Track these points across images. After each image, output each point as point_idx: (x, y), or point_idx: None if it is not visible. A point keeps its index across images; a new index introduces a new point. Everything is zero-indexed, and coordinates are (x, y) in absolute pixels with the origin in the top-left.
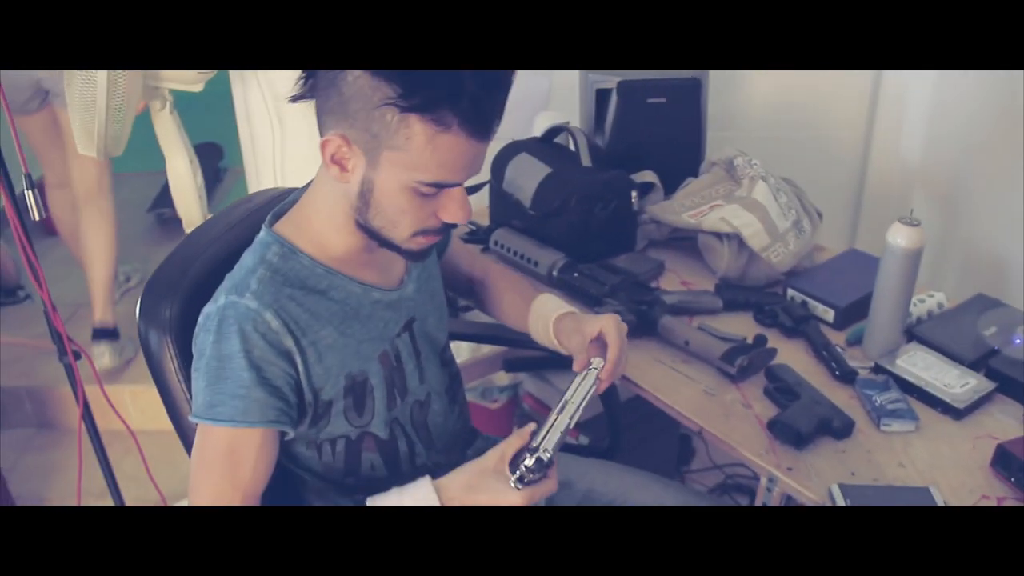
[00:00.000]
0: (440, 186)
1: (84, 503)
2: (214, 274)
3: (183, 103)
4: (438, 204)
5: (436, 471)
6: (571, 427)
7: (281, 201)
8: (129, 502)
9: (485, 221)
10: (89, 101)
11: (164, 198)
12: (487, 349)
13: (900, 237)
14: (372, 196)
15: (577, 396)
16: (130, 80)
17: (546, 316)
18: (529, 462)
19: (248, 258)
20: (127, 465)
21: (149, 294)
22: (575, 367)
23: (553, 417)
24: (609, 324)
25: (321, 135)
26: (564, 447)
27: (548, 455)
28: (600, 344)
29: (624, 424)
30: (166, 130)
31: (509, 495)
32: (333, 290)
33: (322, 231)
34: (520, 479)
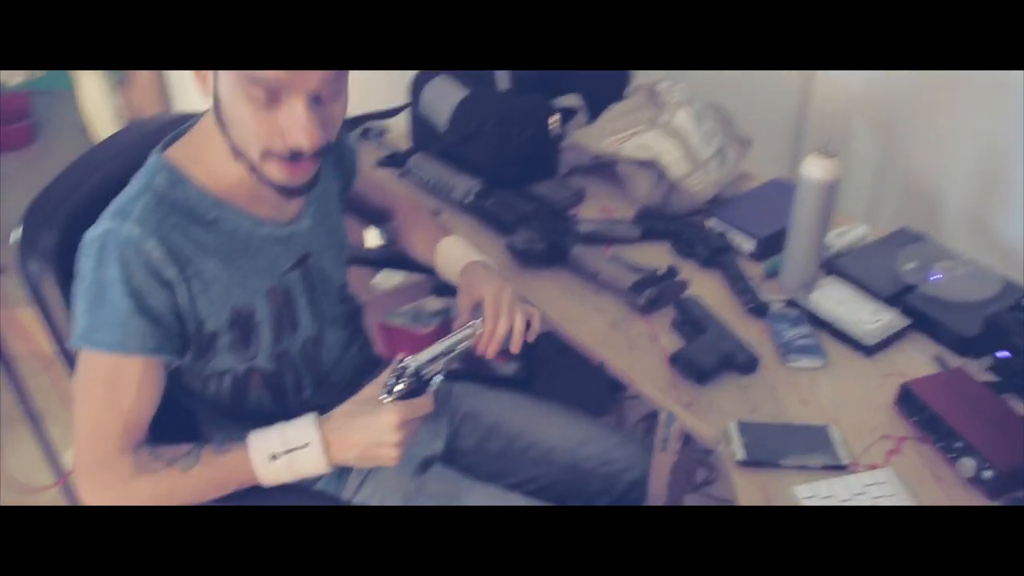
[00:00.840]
0: (262, 85)
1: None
2: (98, 201)
3: None
4: (280, 122)
5: (328, 407)
6: (446, 357)
7: (177, 127)
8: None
9: (405, 145)
10: None
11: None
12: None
13: (815, 168)
14: (222, 107)
15: (449, 338)
16: None
17: (452, 264)
18: (396, 374)
19: (134, 184)
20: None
21: (29, 221)
22: (453, 326)
23: (428, 348)
24: (489, 294)
25: None
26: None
27: (414, 364)
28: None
29: (557, 350)
30: None
31: (382, 413)
32: (221, 222)
33: (212, 158)
34: (388, 391)
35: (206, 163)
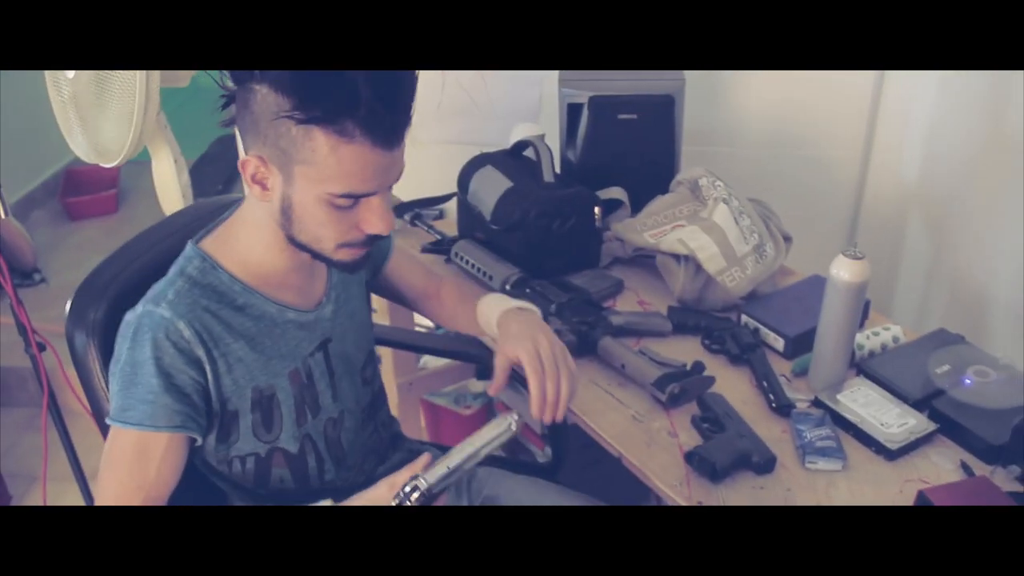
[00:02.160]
0: (351, 197)
1: (52, 484)
2: (144, 281)
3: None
4: (358, 216)
5: (345, 487)
6: (464, 468)
7: (224, 212)
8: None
9: (454, 232)
10: (125, 101)
11: None
12: None
13: (843, 270)
14: (292, 212)
15: (478, 439)
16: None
17: (490, 316)
18: (408, 488)
19: (171, 271)
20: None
21: (80, 296)
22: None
23: (452, 454)
24: (525, 353)
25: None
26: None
27: (426, 484)
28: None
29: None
30: (152, 130)
31: None
32: (249, 307)
33: (249, 249)
34: (400, 504)
35: (240, 252)
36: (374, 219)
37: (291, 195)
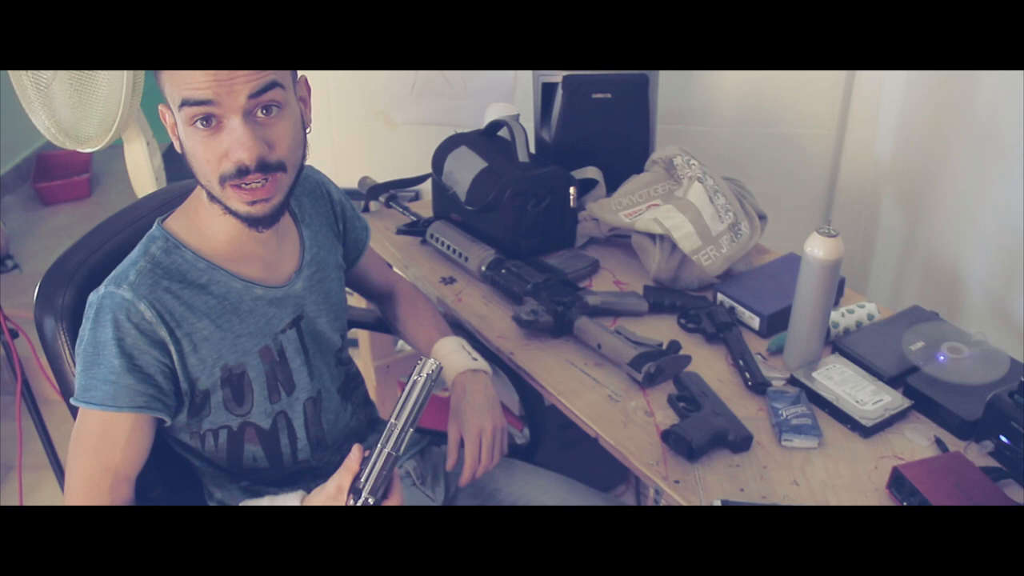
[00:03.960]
0: (191, 104)
1: (28, 472)
2: (113, 264)
3: None
4: (224, 144)
5: (322, 468)
6: (390, 467)
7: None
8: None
9: (429, 214)
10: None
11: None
12: None
13: (817, 248)
14: (184, 149)
15: (407, 404)
16: None
17: (446, 369)
18: (359, 501)
19: (134, 251)
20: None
21: (48, 281)
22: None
23: (374, 458)
24: (471, 437)
25: None
26: None
27: (371, 499)
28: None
29: (564, 422)
30: None
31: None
32: (213, 284)
33: (204, 221)
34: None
35: (197, 226)
36: (234, 144)
37: (178, 130)
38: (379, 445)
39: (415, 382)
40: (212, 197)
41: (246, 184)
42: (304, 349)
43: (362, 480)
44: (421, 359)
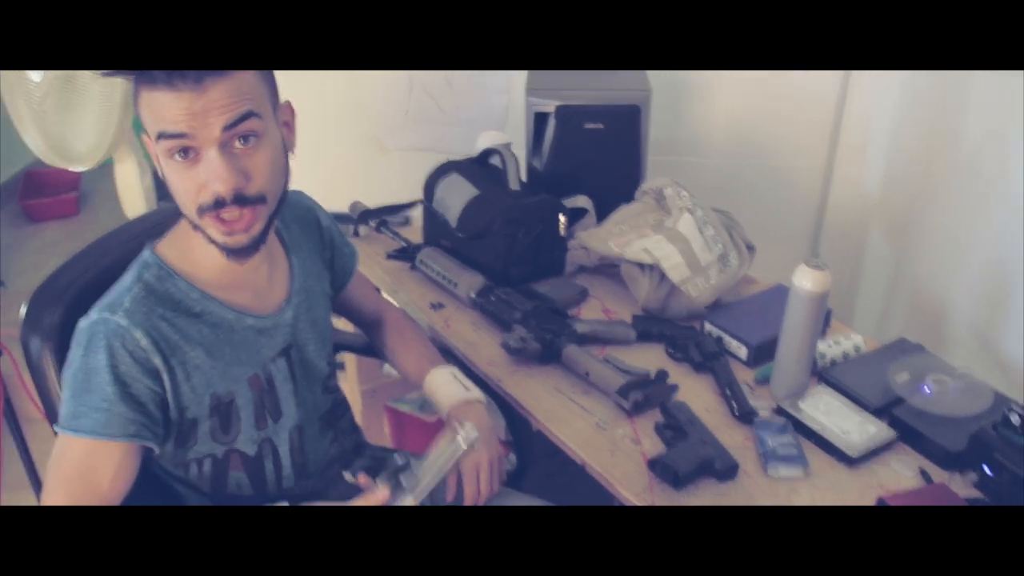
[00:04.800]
0: (167, 137)
1: (8, 492)
2: (102, 286)
3: None
4: (202, 175)
5: (303, 495)
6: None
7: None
8: None
9: (419, 239)
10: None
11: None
12: None
13: (805, 280)
14: (165, 179)
15: (436, 469)
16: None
17: (440, 400)
18: None
19: (127, 277)
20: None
21: (36, 301)
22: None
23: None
24: (468, 470)
25: None
26: None
27: None
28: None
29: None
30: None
31: None
32: (207, 314)
33: (193, 248)
34: None
35: (188, 253)
36: (211, 176)
37: (159, 159)
38: (403, 493)
39: (458, 447)
40: (195, 226)
41: (224, 215)
42: (293, 377)
43: None
44: (464, 426)
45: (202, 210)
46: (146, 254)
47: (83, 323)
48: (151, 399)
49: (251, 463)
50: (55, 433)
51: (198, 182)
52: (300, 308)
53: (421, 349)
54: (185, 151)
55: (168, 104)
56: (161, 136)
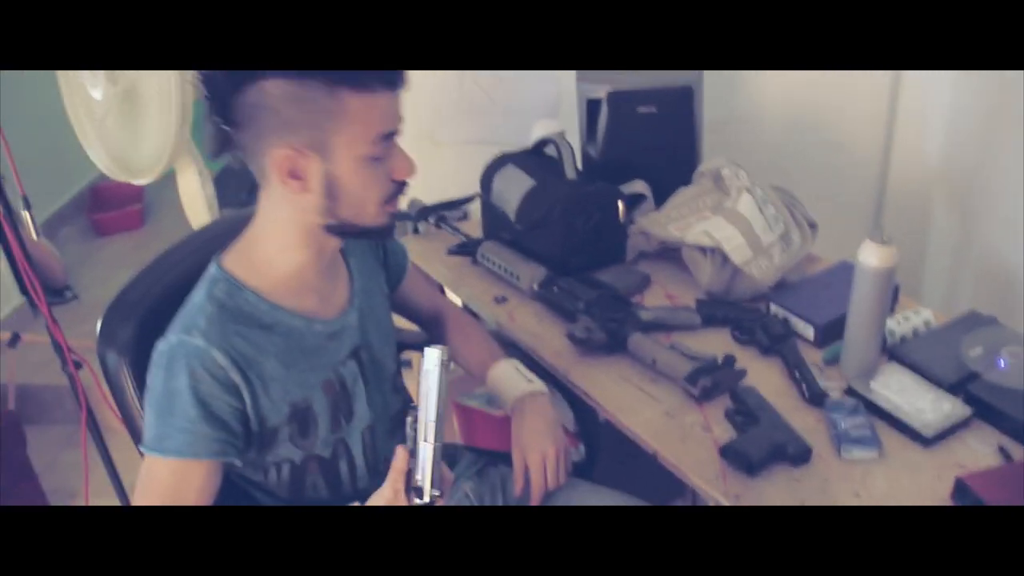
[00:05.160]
0: (389, 136)
1: (94, 500)
2: (172, 298)
3: None
4: (389, 167)
5: None
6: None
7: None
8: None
9: (478, 233)
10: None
11: None
12: None
13: (871, 256)
14: (338, 187)
15: (430, 395)
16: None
17: (504, 393)
18: (424, 499)
19: (197, 295)
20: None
21: (110, 316)
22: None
23: (421, 455)
24: (535, 463)
25: (261, 166)
26: None
27: (436, 492)
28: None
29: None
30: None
31: None
32: (277, 324)
33: (268, 258)
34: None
35: (256, 262)
36: (402, 163)
37: (333, 170)
38: (419, 441)
39: (428, 372)
40: (337, 227)
41: (397, 197)
42: (364, 378)
43: (418, 478)
44: (425, 349)
45: (388, 199)
46: (213, 269)
47: (162, 346)
48: (233, 416)
49: (326, 465)
50: (138, 447)
51: (385, 174)
52: (363, 309)
53: (483, 344)
54: (388, 145)
55: (388, 104)
56: (388, 135)
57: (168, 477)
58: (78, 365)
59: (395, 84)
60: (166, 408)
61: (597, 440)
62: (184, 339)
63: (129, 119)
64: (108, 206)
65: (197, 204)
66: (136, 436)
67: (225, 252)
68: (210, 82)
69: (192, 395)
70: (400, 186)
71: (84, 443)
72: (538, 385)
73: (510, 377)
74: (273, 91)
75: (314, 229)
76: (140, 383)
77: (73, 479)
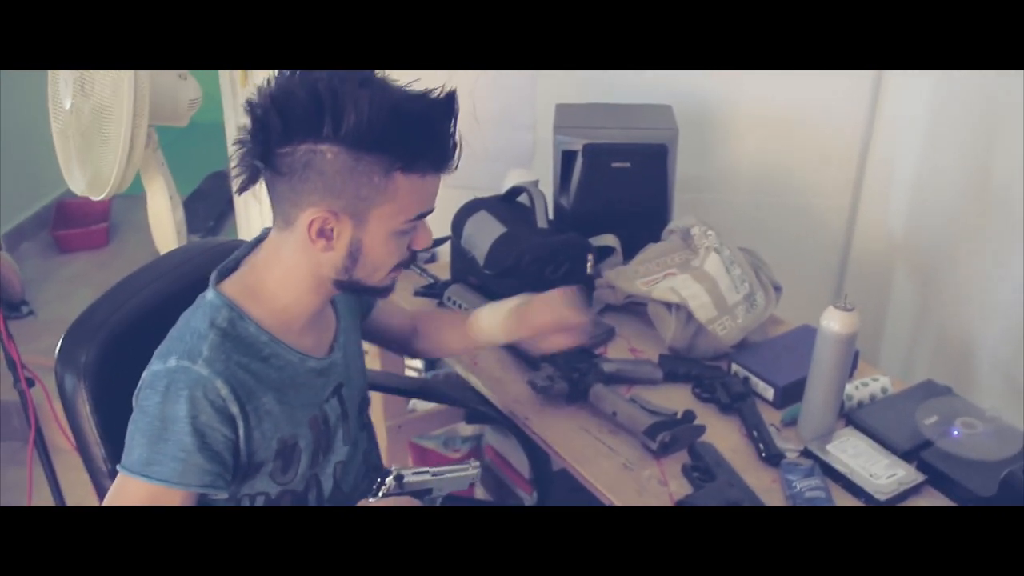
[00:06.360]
0: (421, 217)
1: None
2: (136, 323)
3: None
4: (410, 238)
5: None
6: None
7: (224, 256)
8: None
9: (445, 275)
10: (112, 130)
11: None
12: None
13: (833, 322)
14: (362, 253)
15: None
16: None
17: (494, 325)
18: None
19: (196, 320)
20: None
21: (69, 338)
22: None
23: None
24: (548, 317)
25: (290, 215)
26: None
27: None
28: None
29: (573, 487)
30: (148, 166)
31: None
32: (274, 358)
33: (276, 296)
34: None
35: (260, 296)
36: (423, 236)
37: (361, 237)
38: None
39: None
40: (346, 284)
41: (407, 264)
42: (344, 415)
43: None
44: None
45: (400, 265)
46: (211, 295)
47: (159, 368)
48: (226, 447)
49: (298, 497)
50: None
51: (406, 244)
52: (346, 346)
53: (456, 321)
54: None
55: (433, 186)
56: (423, 214)
57: (144, 499)
58: (31, 382)
59: (445, 169)
60: (159, 433)
61: (550, 488)
62: (186, 366)
63: (99, 133)
64: (73, 223)
65: (166, 228)
66: (88, 459)
67: (225, 280)
68: (263, 128)
69: (190, 424)
70: (414, 255)
71: (30, 462)
72: (514, 299)
73: (490, 309)
74: (329, 157)
75: (324, 281)
76: (98, 406)
77: (16, 497)
